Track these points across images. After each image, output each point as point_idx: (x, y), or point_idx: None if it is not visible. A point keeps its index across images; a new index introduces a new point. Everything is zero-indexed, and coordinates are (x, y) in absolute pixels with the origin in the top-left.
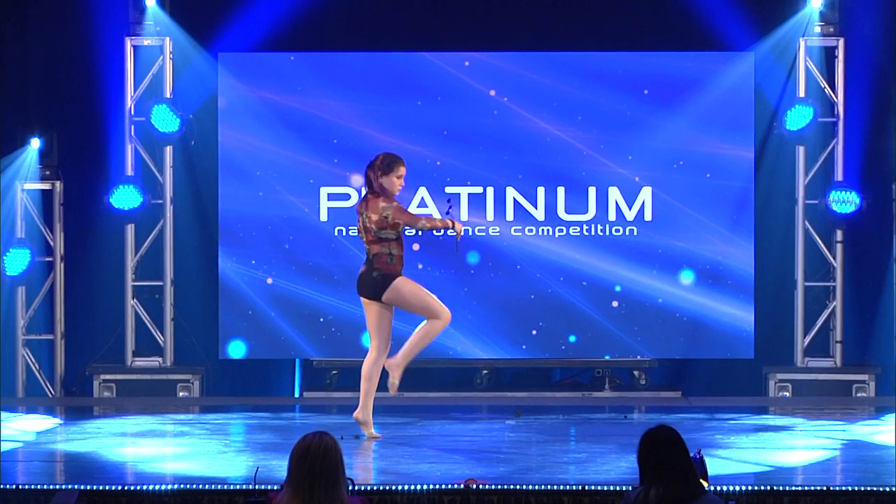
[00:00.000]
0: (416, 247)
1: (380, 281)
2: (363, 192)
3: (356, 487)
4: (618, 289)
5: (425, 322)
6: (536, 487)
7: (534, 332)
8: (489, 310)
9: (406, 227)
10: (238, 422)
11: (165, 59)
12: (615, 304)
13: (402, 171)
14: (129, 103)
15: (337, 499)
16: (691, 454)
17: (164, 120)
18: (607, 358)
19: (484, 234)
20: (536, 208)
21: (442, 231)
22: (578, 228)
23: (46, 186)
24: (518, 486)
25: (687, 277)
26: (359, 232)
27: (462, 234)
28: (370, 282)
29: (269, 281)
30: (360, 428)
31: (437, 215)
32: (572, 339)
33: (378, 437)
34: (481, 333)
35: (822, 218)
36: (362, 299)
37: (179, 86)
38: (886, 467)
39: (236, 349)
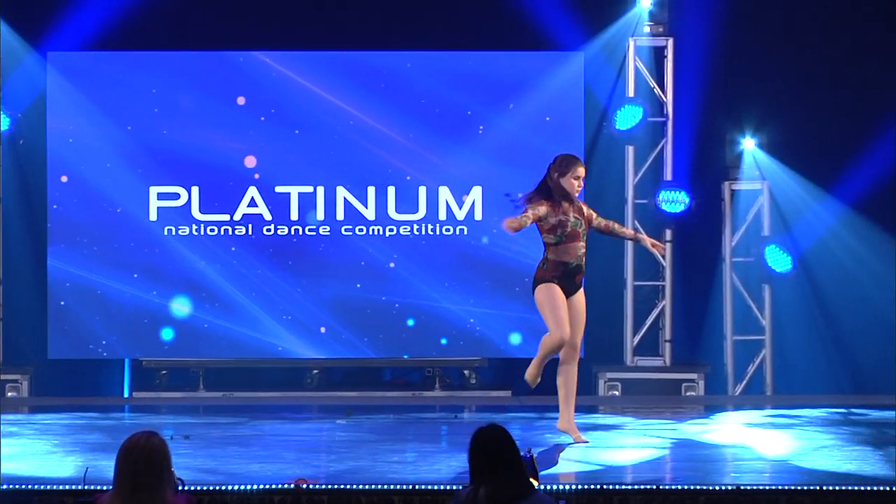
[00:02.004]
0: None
1: (533, 284)
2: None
3: (186, 487)
4: (447, 287)
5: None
6: (367, 487)
7: (364, 332)
8: (320, 309)
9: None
10: (67, 422)
11: None
12: (445, 301)
13: (580, 171)
14: None
15: (160, 499)
16: (522, 453)
17: None
18: (405, 357)
19: (314, 233)
20: (367, 208)
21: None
22: (409, 228)
23: None
24: (348, 486)
25: (517, 276)
26: (562, 226)
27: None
28: (579, 282)
29: (100, 281)
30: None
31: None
32: (411, 323)
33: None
34: (311, 333)
35: (651, 217)
36: (564, 296)
37: (8, 85)
38: (716, 466)
39: (66, 349)
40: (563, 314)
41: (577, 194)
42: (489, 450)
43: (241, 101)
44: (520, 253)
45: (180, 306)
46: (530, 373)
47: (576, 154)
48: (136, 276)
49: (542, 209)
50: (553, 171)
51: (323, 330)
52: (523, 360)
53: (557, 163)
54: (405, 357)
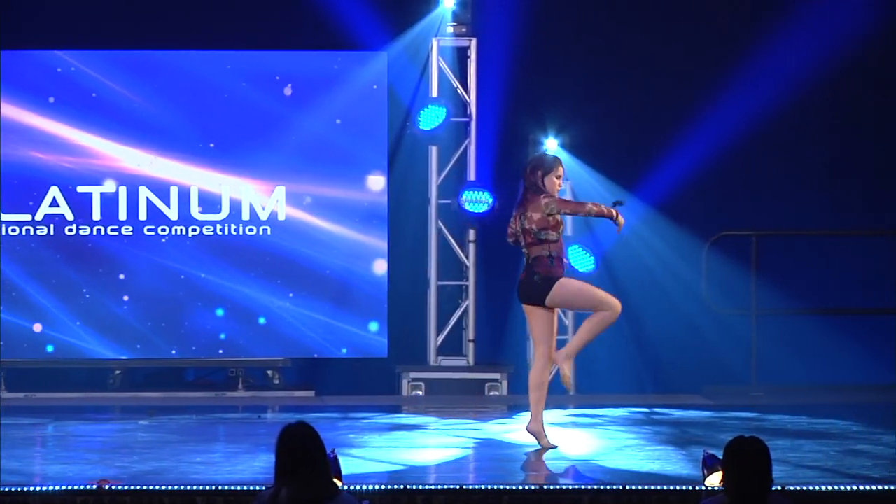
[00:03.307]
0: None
1: (541, 285)
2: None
3: None
4: (250, 288)
5: (594, 314)
6: (170, 488)
7: (168, 331)
8: (123, 309)
9: (570, 215)
10: None
11: None
12: (248, 303)
13: (561, 171)
14: None
15: None
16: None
17: None
18: (207, 358)
19: (116, 233)
20: (170, 208)
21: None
22: (212, 228)
23: None
24: (151, 487)
25: (320, 275)
26: (513, 237)
27: (622, 226)
28: (531, 287)
29: None
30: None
31: None
32: (222, 336)
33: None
34: (114, 332)
35: (455, 217)
36: (524, 307)
37: None
38: (519, 465)
39: None
40: (600, 291)
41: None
42: (295, 448)
43: (44, 99)
44: (323, 254)
45: None
46: (568, 355)
47: (377, 154)
48: None
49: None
50: (537, 172)
51: (125, 327)
52: (327, 360)
53: (539, 163)
54: (219, 353)
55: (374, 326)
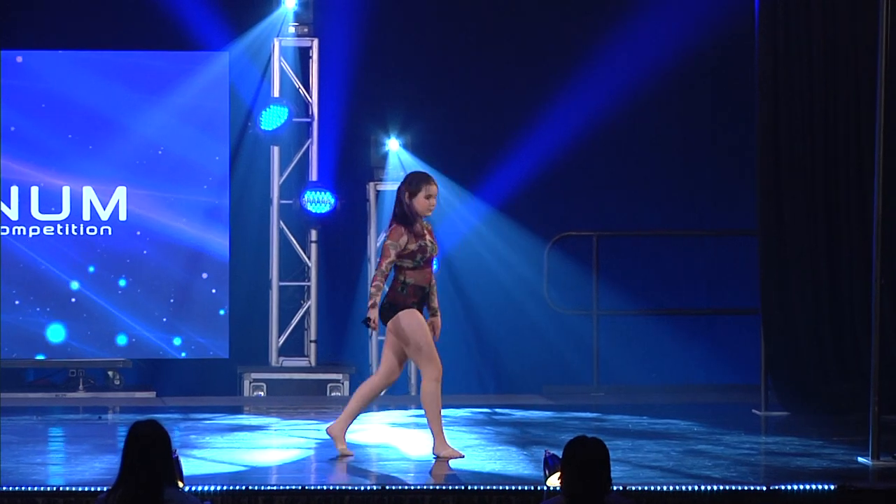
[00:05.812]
0: None
1: (387, 309)
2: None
3: None
4: (92, 288)
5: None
6: (10, 489)
7: (3, 327)
8: None
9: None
10: None
11: None
12: (89, 304)
13: (433, 189)
14: None
15: None
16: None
17: None
18: (62, 353)
19: None
20: (10, 207)
21: None
22: (52, 228)
23: None
24: None
25: (162, 276)
26: (410, 257)
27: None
28: (381, 308)
29: None
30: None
31: None
32: (63, 336)
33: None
34: None
35: (296, 218)
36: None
37: None
38: (360, 466)
39: None
40: (434, 347)
41: (429, 214)
42: (140, 447)
43: None
44: (164, 254)
45: None
46: (339, 428)
47: (219, 154)
48: None
49: (403, 240)
50: (404, 192)
51: None
52: (167, 360)
53: (407, 182)
54: (60, 353)
55: (215, 326)
